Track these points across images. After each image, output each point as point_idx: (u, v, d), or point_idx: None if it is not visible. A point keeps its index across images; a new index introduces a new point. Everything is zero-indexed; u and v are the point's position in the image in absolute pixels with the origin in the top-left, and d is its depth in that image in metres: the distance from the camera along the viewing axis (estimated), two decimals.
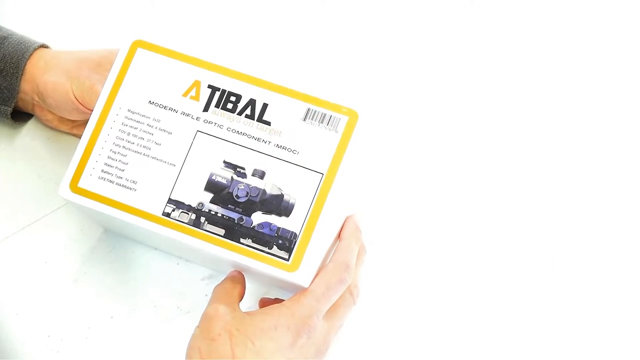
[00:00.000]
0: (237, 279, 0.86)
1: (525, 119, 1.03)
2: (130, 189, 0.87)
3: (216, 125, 0.88)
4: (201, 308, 0.92)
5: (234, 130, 0.87)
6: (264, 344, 0.80)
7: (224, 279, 0.86)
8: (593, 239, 0.96)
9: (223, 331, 0.80)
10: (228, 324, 0.81)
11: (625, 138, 1.02)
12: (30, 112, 1.01)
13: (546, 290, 0.94)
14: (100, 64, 0.95)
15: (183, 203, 0.86)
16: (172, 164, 0.87)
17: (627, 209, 0.98)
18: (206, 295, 0.94)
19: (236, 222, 0.85)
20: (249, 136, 0.87)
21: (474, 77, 1.05)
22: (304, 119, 0.87)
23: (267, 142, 0.87)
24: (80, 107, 0.95)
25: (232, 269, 0.88)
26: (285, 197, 0.85)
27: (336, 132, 0.86)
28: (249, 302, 0.93)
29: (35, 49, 0.98)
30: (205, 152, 0.87)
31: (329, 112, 0.86)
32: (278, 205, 0.85)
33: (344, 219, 0.88)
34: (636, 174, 1.00)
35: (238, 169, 0.87)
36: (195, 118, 0.88)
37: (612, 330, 0.92)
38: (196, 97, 0.88)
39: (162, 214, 0.86)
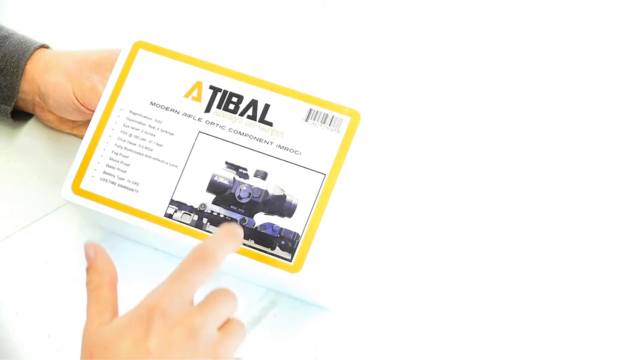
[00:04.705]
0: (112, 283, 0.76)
1: (527, 116, 1.03)
2: (132, 190, 0.87)
3: (218, 126, 0.87)
4: None
5: (236, 131, 0.87)
6: (120, 345, 0.71)
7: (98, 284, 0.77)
8: (593, 239, 0.97)
9: (86, 355, 0.73)
10: (89, 344, 0.74)
11: (626, 138, 1.02)
12: (31, 112, 1.01)
13: (547, 291, 0.94)
14: (101, 64, 0.95)
15: (185, 204, 0.86)
16: (174, 165, 0.87)
17: (627, 208, 0.98)
18: (206, 295, 0.93)
19: (238, 223, 0.85)
20: (251, 137, 0.87)
21: (474, 77, 1.05)
22: (306, 120, 0.87)
23: (269, 143, 0.87)
24: (81, 107, 0.95)
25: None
26: (288, 198, 0.85)
27: (338, 132, 0.86)
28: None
29: (35, 49, 0.97)
30: (207, 153, 0.87)
31: (331, 113, 0.86)
32: (280, 206, 0.85)
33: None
34: (636, 174, 1.00)
35: (240, 170, 0.87)
36: (197, 119, 0.88)
37: (612, 330, 0.92)
38: (198, 98, 0.88)
39: (165, 215, 0.86)
